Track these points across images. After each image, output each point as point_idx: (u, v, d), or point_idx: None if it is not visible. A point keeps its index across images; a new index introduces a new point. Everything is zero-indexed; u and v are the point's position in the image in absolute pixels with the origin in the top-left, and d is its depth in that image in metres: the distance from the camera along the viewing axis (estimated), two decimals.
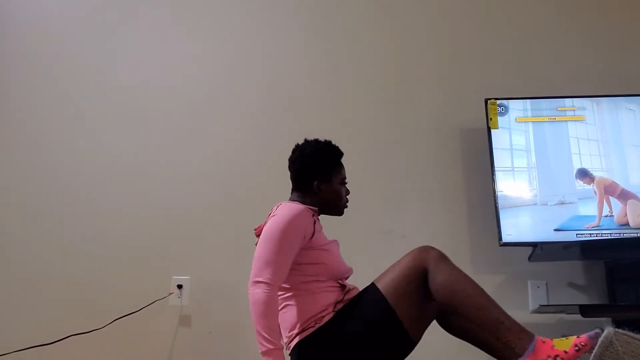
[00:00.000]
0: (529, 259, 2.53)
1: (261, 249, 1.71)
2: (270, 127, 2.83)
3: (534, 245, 2.47)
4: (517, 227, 2.47)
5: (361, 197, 2.73)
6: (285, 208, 1.80)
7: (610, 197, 2.49)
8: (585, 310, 2.15)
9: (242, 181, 2.76)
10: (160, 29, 2.97)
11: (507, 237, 2.45)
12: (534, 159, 2.55)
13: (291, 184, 1.99)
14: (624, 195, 2.49)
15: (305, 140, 1.98)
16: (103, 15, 2.99)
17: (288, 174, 2.10)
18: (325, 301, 1.76)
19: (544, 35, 2.91)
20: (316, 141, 1.96)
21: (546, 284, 2.58)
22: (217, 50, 2.94)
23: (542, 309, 2.44)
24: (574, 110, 2.60)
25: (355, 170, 2.75)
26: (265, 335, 1.59)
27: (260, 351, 1.60)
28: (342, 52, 2.93)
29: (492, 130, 2.58)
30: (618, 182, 2.50)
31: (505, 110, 2.61)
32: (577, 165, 2.53)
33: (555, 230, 2.45)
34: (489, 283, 2.59)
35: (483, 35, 2.93)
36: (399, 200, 2.73)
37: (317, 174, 1.91)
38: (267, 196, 2.73)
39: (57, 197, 2.75)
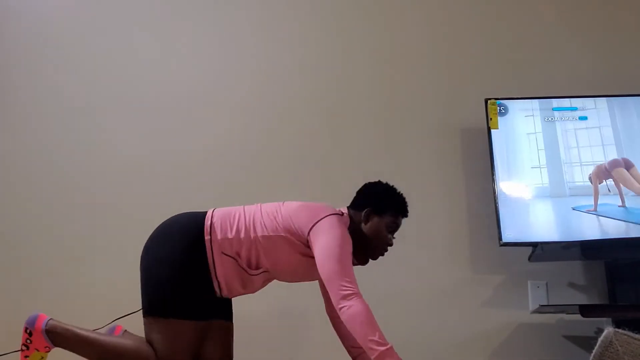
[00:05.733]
0: (529, 259, 2.53)
1: (330, 265, 1.71)
2: (269, 125, 2.83)
3: (534, 245, 2.46)
4: (517, 227, 2.47)
5: None
6: (334, 224, 1.79)
7: (605, 181, 2.48)
8: (585, 310, 2.15)
9: (241, 179, 2.75)
10: (160, 25, 2.98)
11: (507, 237, 2.44)
12: (536, 158, 2.56)
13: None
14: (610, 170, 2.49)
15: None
16: (103, 12, 2.99)
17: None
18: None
19: (544, 35, 2.91)
20: (394, 188, 2.00)
21: (546, 284, 2.58)
22: (216, 46, 2.95)
23: (542, 309, 2.44)
24: (574, 110, 2.60)
25: (354, 170, 2.76)
26: (381, 339, 1.61)
27: (376, 356, 1.59)
28: (340, 51, 2.92)
29: (492, 130, 2.58)
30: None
31: (505, 110, 2.61)
32: (576, 163, 2.53)
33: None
34: (489, 283, 2.59)
35: (483, 35, 2.92)
36: None
37: (374, 203, 1.91)
38: (266, 192, 2.73)
39: (56, 197, 2.76)
